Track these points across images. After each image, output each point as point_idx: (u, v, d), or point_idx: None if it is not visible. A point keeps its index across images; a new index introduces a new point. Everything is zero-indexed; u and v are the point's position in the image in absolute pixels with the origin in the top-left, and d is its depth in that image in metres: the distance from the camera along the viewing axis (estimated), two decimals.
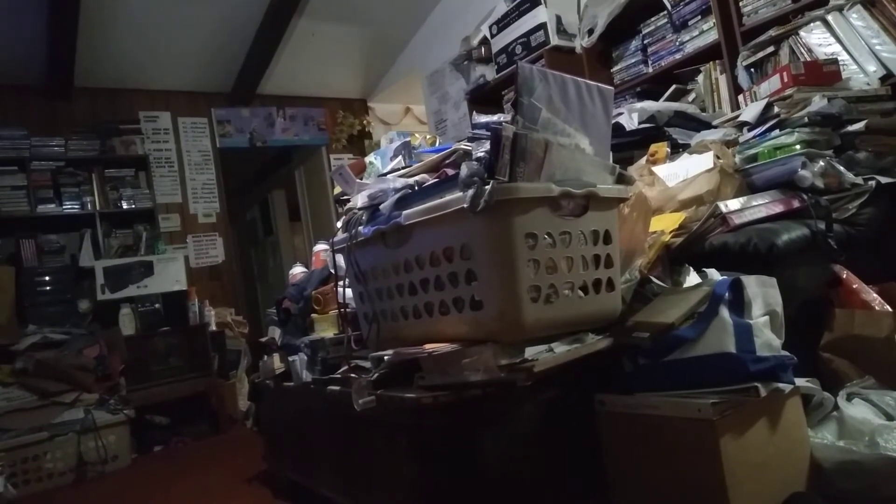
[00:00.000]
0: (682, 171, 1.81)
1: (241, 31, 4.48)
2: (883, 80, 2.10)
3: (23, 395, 3.20)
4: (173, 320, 4.02)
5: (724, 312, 1.26)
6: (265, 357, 2.29)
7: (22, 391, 3.21)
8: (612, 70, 3.35)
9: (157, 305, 4.01)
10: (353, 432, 1.63)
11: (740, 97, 2.45)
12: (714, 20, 2.72)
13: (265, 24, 4.42)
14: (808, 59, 2.25)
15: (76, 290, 4.07)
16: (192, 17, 4.25)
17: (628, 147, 2.16)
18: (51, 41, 3.94)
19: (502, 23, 3.73)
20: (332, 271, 1.83)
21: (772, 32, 2.42)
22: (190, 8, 4.17)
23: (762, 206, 1.64)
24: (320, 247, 2.51)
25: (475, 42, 4.05)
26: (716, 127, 2.16)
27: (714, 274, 1.46)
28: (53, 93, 4.41)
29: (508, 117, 1.30)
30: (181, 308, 4.08)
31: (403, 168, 1.77)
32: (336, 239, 1.64)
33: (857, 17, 2.19)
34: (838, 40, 2.23)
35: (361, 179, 1.83)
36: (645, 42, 3.16)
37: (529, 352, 1.20)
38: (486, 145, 1.28)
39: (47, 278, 4.03)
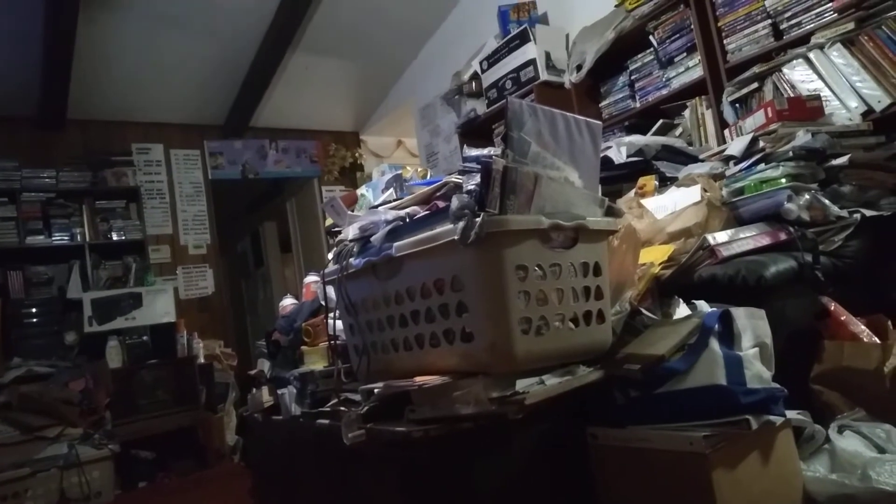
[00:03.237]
0: (670, 204, 1.83)
1: (235, 64, 4.54)
2: (864, 115, 2.15)
3: (5, 430, 3.14)
4: (161, 353, 3.98)
5: (714, 344, 1.26)
6: (254, 390, 2.26)
7: (4, 425, 3.16)
8: (600, 105, 3.41)
9: (145, 338, 3.98)
10: (342, 466, 1.61)
11: (726, 132, 2.49)
12: (699, 57, 2.78)
13: (259, 57, 4.48)
14: (792, 94, 2.30)
15: (63, 322, 4.03)
16: (186, 50, 4.30)
17: (617, 180, 2.18)
18: (45, 73, 3.97)
19: (492, 58, 3.80)
20: (323, 303, 1.82)
21: (756, 69, 2.48)
22: (184, 41, 4.23)
23: (749, 238, 1.66)
24: (311, 278, 2.50)
25: (466, 77, 4.11)
26: (703, 160, 2.19)
27: (703, 306, 1.47)
28: (46, 124, 4.43)
29: (499, 151, 1.32)
30: (169, 340, 4.05)
31: (395, 200, 1.78)
32: (327, 270, 1.64)
33: (838, 55, 2.25)
34: (820, 77, 2.28)
35: (353, 211, 1.84)
36: (632, 78, 3.22)
37: (520, 384, 1.19)
38: (477, 178, 1.29)
39: (34, 310, 3.99)
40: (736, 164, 1.95)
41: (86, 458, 3.15)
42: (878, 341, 1.48)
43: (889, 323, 1.53)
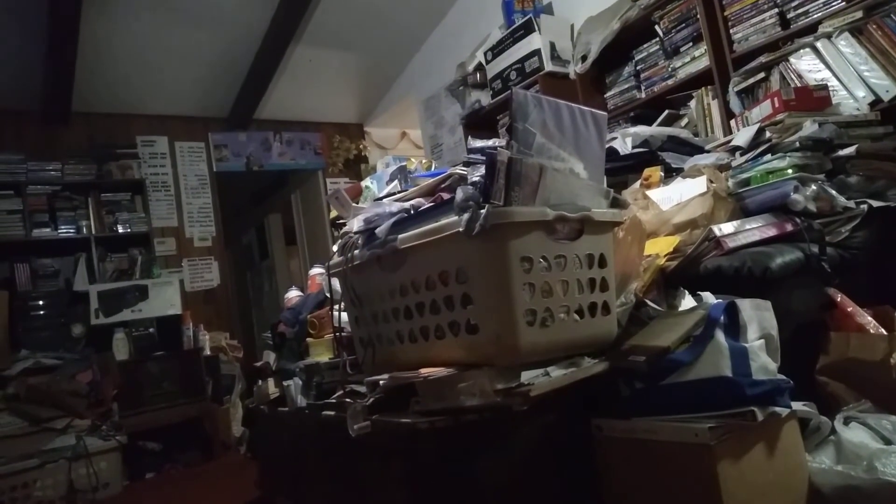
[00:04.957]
0: (675, 195, 1.82)
1: (239, 56, 4.53)
2: (872, 105, 2.14)
3: (13, 421, 3.16)
4: (167, 345, 3.99)
5: (720, 336, 1.26)
6: (259, 382, 2.27)
7: (12, 417, 3.18)
8: (605, 95, 3.39)
9: (151, 330, 3.99)
10: (348, 458, 1.62)
11: (732, 122, 2.48)
12: (705, 47, 2.76)
13: (263, 50, 4.47)
14: (799, 84, 2.28)
15: (70, 315, 4.05)
16: (190, 42, 4.30)
17: (622, 171, 2.17)
18: (49, 66, 3.97)
19: (497, 49, 3.78)
20: (328, 295, 1.82)
21: (762, 59, 2.46)
22: (188, 34, 4.22)
23: (756, 229, 1.65)
24: (316, 270, 2.50)
25: (470, 68, 4.10)
26: (709, 151, 2.18)
27: (709, 297, 1.46)
28: (51, 117, 4.43)
29: (503, 142, 1.31)
30: (175, 332, 4.06)
31: (399, 192, 1.77)
32: (332, 262, 1.64)
33: (846, 45, 2.23)
34: (828, 66, 2.26)
35: (357, 203, 1.84)
36: (638, 68, 3.20)
37: (525, 376, 1.19)
38: (482, 170, 1.29)
39: (41, 302, 4.01)
40: (742, 154, 1.94)
41: (93, 450, 3.17)
42: (885, 333, 1.48)
43: None
